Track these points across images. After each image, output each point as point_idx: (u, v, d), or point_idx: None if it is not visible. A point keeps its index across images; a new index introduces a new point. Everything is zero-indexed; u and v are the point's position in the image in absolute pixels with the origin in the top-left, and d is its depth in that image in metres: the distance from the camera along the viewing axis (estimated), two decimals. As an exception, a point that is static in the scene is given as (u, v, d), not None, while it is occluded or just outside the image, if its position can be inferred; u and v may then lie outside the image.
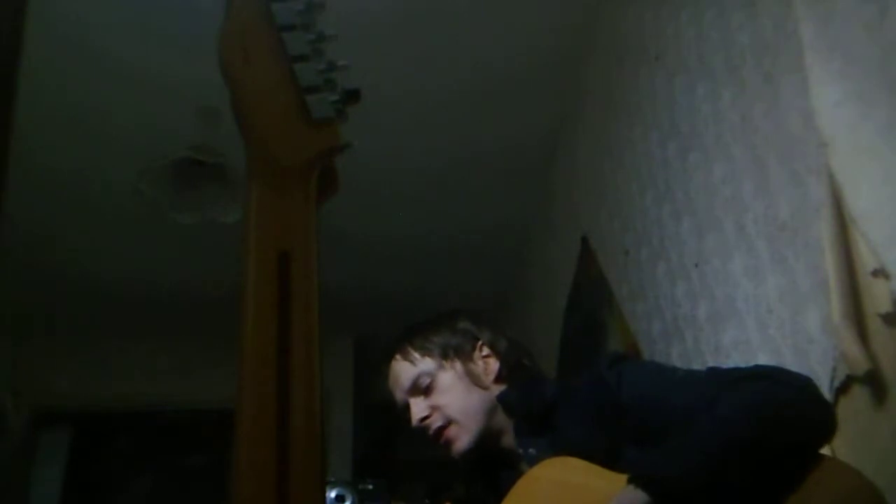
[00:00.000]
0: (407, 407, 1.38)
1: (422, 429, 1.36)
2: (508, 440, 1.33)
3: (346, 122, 0.67)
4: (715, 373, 1.19)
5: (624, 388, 1.18)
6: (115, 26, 2.34)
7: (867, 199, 1.18)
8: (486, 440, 1.33)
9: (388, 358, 1.42)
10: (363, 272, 3.59)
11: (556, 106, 2.75)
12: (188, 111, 2.50)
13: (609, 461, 1.11)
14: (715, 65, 1.68)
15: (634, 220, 2.20)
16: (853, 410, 1.20)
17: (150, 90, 2.54)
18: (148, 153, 2.56)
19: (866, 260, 1.16)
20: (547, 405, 1.29)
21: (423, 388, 1.36)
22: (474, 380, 1.37)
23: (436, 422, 1.34)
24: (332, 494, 2.09)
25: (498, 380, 1.38)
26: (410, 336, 1.42)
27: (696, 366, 1.74)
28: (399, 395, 1.40)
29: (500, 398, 1.35)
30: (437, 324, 1.44)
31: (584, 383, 1.26)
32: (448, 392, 1.35)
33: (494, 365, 1.39)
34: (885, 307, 1.12)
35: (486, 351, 1.41)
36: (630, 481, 0.98)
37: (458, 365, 1.38)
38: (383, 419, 3.15)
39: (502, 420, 1.34)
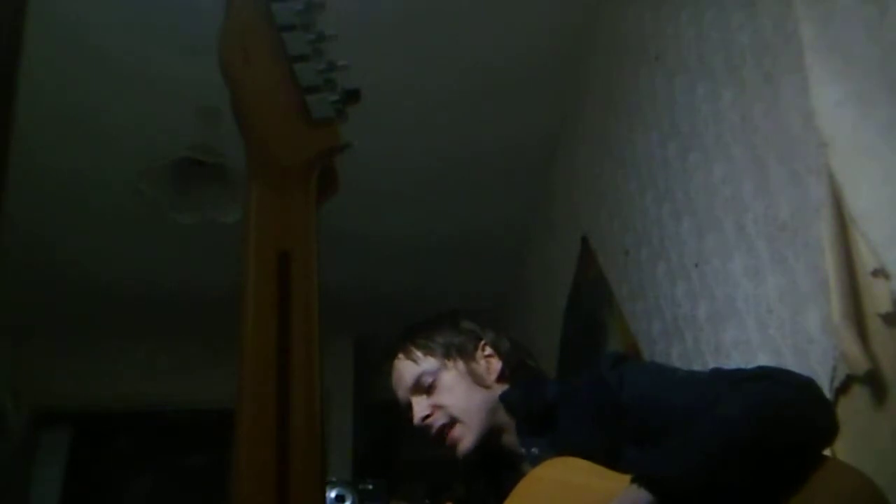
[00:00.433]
0: (409, 406, 1.38)
1: (424, 428, 1.35)
2: (510, 440, 1.33)
3: (346, 122, 0.67)
4: (716, 373, 1.19)
5: (624, 389, 1.18)
6: (115, 26, 2.34)
7: (867, 199, 1.18)
8: (489, 440, 1.33)
9: (391, 357, 1.42)
10: (363, 272, 3.59)
11: (556, 106, 2.75)
12: (188, 111, 2.50)
13: (609, 461, 1.11)
14: (715, 65, 1.68)
15: (634, 220, 2.20)
16: (853, 410, 1.20)
17: (150, 90, 2.54)
18: (148, 153, 2.56)
19: (866, 260, 1.16)
20: (547, 405, 1.29)
21: (425, 387, 1.36)
22: (477, 379, 1.36)
23: (438, 421, 1.34)
24: (332, 494, 2.08)
25: (500, 379, 1.38)
26: (413, 335, 1.42)
27: (697, 366, 1.74)
28: (401, 394, 1.40)
29: (503, 398, 1.35)
30: (439, 323, 1.44)
31: (585, 383, 1.26)
32: (450, 391, 1.35)
33: (497, 365, 1.39)
34: (885, 307, 1.12)
35: (488, 350, 1.41)
36: (633, 481, 0.98)
37: (461, 364, 1.37)
38: (383, 419, 3.16)
39: (504, 420, 1.34)
